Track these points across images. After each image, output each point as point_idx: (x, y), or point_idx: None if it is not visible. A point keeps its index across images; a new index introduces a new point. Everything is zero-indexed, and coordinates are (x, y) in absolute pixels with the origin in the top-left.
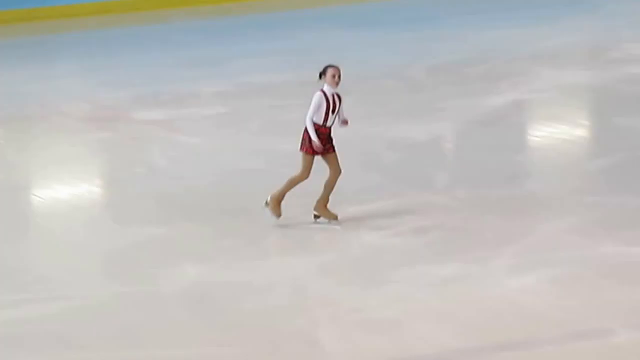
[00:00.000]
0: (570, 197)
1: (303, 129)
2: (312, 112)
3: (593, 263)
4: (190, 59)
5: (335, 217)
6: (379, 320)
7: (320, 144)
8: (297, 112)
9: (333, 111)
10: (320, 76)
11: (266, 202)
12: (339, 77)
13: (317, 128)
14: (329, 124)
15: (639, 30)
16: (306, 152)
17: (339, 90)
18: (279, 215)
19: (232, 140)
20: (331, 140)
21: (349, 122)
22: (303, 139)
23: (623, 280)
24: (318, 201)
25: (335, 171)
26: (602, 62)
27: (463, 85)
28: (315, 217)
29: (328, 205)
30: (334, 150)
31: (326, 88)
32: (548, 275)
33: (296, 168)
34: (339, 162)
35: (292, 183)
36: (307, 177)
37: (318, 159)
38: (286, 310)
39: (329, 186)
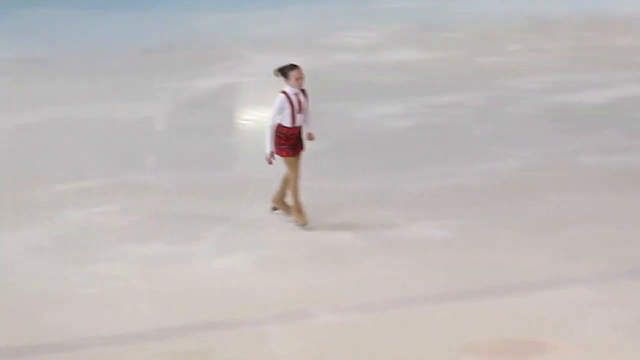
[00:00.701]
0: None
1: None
2: (273, 118)
3: (298, 246)
4: None
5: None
6: (85, 298)
7: (289, 147)
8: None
9: (300, 110)
10: (276, 73)
11: (296, 223)
12: (303, 77)
13: (287, 131)
14: (297, 123)
15: (349, 18)
16: (285, 155)
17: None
18: (304, 223)
19: None
20: (301, 140)
21: (314, 137)
22: (276, 143)
23: (326, 263)
24: (275, 195)
25: (295, 173)
26: (314, 49)
27: (177, 67)
28: (274, 208)
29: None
30: (302, 149)
31: (288, 89)
32: (253, 257)
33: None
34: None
35: (293, 189)
36: (298, 174)
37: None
38: None
39: (287, 182)
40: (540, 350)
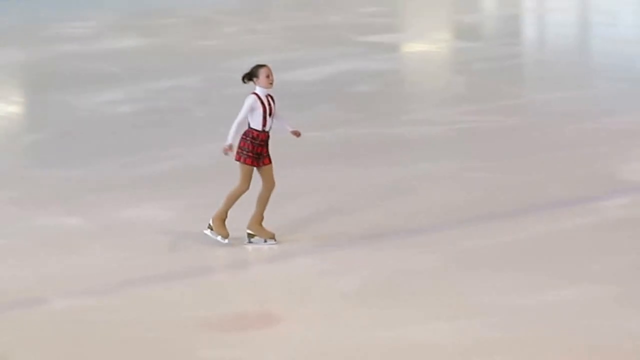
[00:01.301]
0: (7, 171)
1: (238, 137)
2: (242, 116)
3: (29, 234)
4: None
5: (272, 236)
6: None
7: (252, 150)
8: None
9: (270, 114)
10: (244, 79)
11: (209, 226)
12: (272, 75)
13: (257, 135)
14: (267, 128)
15: (69, 8)
16: (244, 162)
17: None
18: (225, 235)
19: None
20: (268, 148)
21: (300, 133)
22: (240, 147)
23: (57, 250)
24: (252, 218)
25: (269, 185)
26: (34, 41)
27: None
28: (250, 235)
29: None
30: (270, 162)
31: (259, 90)
32: None
33: None
34: (274, 174)
35: (232, 198)
36: (247, 188)
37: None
38: None
39: (263, 202)
40: (269, 322)
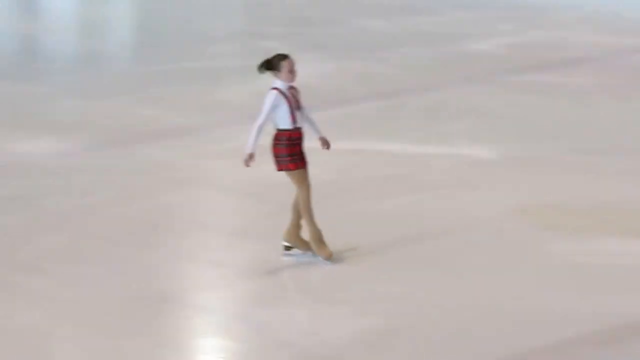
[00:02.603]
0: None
1: (270, 144)
2: (263, 118)
3: None
4: None
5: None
6: None
7: (292, 154)
8: None
9: (298, 107)
10: (260, 69)
11: (315, 253)
12: (294, 68)
13: (290, 134)
14: (299, 123)
15: None
16: (290, 169)
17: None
18: (329, 254)
19: None
20: (302, 146)
21: (330, 144)
22: (276, 155)
23: None
24: (288, 229)
25: (307, 188)
26: None
27: None
28: (287, 248)
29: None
30: (306, 164)
31: (279, 84)
32: None
33: None
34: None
35: (305, 208)
36: (308, 187)
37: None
38: None
39: (298, 209)
40: None
